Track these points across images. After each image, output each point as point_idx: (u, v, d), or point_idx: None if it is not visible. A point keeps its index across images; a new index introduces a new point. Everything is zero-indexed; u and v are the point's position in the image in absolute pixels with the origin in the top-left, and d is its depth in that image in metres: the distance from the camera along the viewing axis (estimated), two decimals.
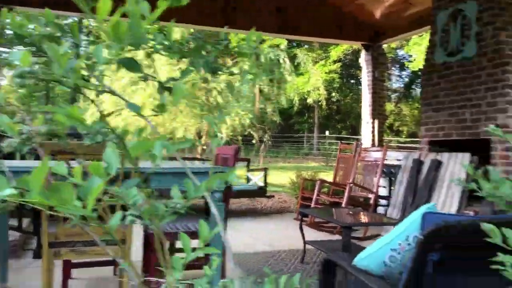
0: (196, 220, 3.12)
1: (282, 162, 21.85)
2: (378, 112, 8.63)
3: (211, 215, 2.74)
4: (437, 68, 5.81)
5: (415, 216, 1.91)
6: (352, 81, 29.26)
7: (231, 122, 10.47)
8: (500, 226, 0.95)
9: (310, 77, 21.51)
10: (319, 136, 27.49)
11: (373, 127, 8.54)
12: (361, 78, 8.86)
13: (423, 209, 1.93)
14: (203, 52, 1.27)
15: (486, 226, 0.84)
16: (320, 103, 21.76)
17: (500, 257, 0.91)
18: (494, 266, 0.92)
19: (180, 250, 3.55)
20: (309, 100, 21.52)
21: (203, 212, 4.41)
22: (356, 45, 9.01)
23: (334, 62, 24.06)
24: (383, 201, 6.40)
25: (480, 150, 5.00)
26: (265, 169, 7.25)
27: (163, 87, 1.34)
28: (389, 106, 26.80)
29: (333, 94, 24.90)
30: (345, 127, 28.78)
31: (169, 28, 1.11)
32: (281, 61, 12.85)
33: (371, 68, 8.61)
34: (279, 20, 7.70)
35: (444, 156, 5.15)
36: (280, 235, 5.87)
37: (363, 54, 8.76)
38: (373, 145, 8.41)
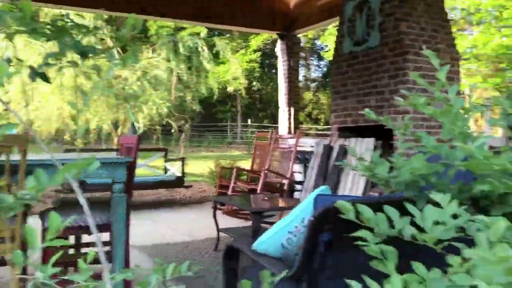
0: (103, 213, 3.00)
1: (205, 151, 21.76)
2: (294, 100, 8.84)
3: (110, 206, 2.65)
4: (345, 57, 6.06)
5: (310, 199, 1.98)
6: (273, 70, 29.74)
7: (148, 111, 10.18)
8: (391, 204, 0.99)
9: (231, 66, 21.55)
10: (243, 125, 27.70)
11: (290, 115, 8.74)
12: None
13: (316, 191, 2.00)
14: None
15: (339, 204, 0.88)
16: (240, 92, 21.91)
17: (359, 232, 0.95)
18: (357, 242, 0.97)
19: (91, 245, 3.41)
20: (230, 89, 21.57)
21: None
22: (273, 34, 9.13)
23: (254, 51, 24.27)
24: (298, 186, 6.59)
25: (387, 136, 5.29)
26: (182, 159, 7.16)
27: (35, 73, 1.26)
28: (308, 95, 27.62)
29: (254, 83, 25.14)
30: (266, 115, 29.23)
31: (26, 6, 1.04)
32: (199, 49, 12.71)
33: (286, 57, 8.78)
34: (193, 7, 7.59)
35: (351, 142, 5.40)
36: (199, 224, 5.86)
37: (278, 43, 8.90)
38: (289, 132, 8.62)
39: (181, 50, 11.71)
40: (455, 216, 0.99)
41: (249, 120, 26.78)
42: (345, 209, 0.85)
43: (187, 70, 12.53)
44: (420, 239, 0.82)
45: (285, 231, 2.02)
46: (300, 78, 28.30)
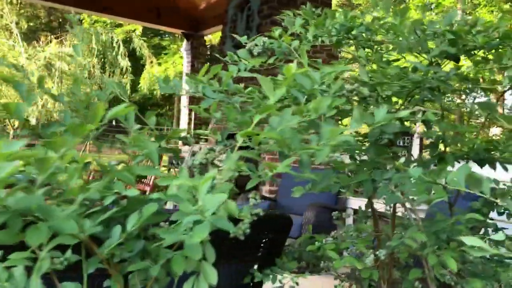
0: None
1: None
2: (197, 103, 8.43)
3: None
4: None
5: None
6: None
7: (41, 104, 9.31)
8: None
9: (167, 68, 20.94)
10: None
11: (190, 119, 8.32)
12: None
13: None
14: None
15: None
16: (155, 95, 21.59)
17: None
18: None
19: None
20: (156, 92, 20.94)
21: None
22: (177, 32, 8.69)
23: None
24: None
25: None
26: None
27: None
28: None
29: None
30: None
31: None
32: (114, 44, 11.95)
33: (190, 59, 8.37)
34: None
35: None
36: None
37: (184, 43, 8.48)
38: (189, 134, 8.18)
39: (94, 43, 10.99)
40: None
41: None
42: None
43: (100, 66, 11.80)
44: None
45: None
46: None
